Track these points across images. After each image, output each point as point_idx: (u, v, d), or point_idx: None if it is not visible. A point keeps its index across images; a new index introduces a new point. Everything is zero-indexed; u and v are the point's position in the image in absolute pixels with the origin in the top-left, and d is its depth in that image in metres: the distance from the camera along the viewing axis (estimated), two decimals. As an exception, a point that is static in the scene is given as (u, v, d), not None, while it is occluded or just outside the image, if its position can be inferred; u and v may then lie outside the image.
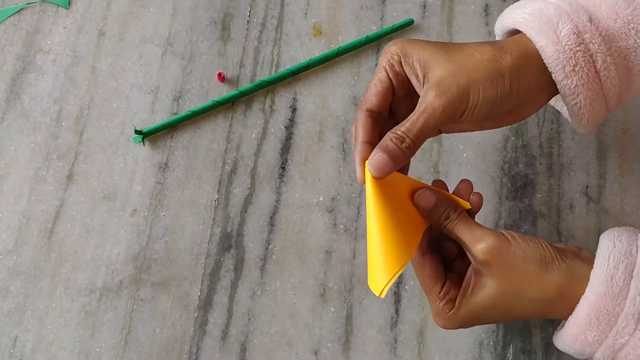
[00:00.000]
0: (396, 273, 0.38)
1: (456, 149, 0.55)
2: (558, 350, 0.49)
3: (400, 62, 0.42)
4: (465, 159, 0.55)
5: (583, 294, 0.39)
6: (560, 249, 0.42)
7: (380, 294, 0.39)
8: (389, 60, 0.42)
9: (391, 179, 0.41)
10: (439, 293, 0.42)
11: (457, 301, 0.42)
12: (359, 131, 0.42)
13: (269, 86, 0.58)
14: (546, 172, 0.55)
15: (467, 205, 0.44)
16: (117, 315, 0.52)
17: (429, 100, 0.39)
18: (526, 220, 0.53)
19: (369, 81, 0.43)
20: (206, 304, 0.52)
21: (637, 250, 0.40)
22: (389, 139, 0.40)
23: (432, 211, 0.42)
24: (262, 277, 0.53)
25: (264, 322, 0.51)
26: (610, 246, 0.40)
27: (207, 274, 0.53)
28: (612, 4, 0.39)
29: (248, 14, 0.60)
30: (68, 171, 0.56)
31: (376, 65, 0.58)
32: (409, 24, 0.59)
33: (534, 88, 0.41)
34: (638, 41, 0.39)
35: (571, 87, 0.40)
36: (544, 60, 0.40)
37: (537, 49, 0.40)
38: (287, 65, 0.58)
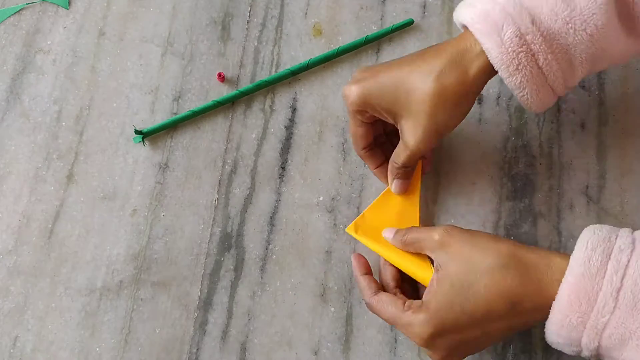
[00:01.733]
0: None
1: (456, 149, 0.55)
2: (558, 351, 0.49)
3: (367, 111, 0.49)
4: (466, 159, 0.55)
5: (549, 289, 0.41)
6: (520, 243, 0.45)
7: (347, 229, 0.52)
8: (358, 111, 0.49)
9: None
10: (403, 306, 0.45)
11: (423, 299, 0.44)
12: (369, 163, 0.53)
13: (269, 86, 0.58)
14: (546, 172, 0.55)
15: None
16: (117, 315, 0.52)
17: (406, 142, 0.48)
18: (526, 220, 0.53)
19: (350, 126, 0.51)
20: (206, 304, 0.52)
21: (616, 237, 0.41)
22: (392, 167, 0.51)
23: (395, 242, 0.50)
24: (262, 277, 0.53)
25: (264, 322, 0.51)
26: (589, 234, 0.42)
27: (207, 274, 0.53)
28: (552, 5, 0.42)
29: (248, 14, 0.60)
30: (68, 171, 0.56)
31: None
32: (409, 24, 0.59)
33: (481, 87, 0.47)
34: (576, 38, 0.43)
35: (516, 83, 0.44)
36: (490, 61, 0.44)
37: (483, 55, 0.44)
38: (287, 65, 0.58)
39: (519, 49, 0.43)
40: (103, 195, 0.55)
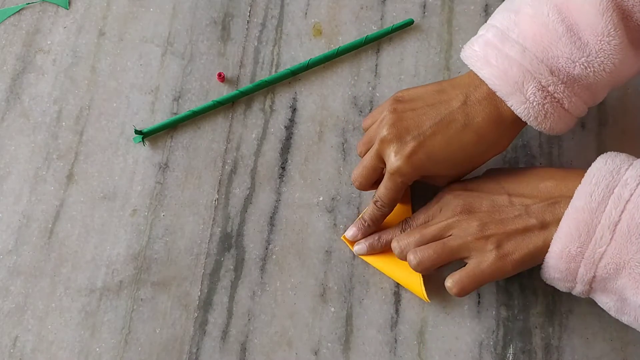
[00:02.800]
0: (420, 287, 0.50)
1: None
2: (558, 351, 0.50)
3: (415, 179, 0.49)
4: (465, 159, 0.55)
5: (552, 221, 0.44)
6: None
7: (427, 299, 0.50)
8: (407, 183, 0.49)
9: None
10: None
11: None
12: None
13: (269, 86, 0.58)
14: (546, 172, 0.55)
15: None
16: (117, 315, 0.52)
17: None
18: (526, 220, 0.53)
19: (364, 168, 0.50)
20: (206, 304, 0.52)
21: (627, 169, 0.42)
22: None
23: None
24: (262, 277, 0.53)
25: (264, 322, 0.52)
26: (600, 164, 0.43)
27: (207, 274, 0.53)
28: (568, 55, 0.44)
29: (248, 14, 0.60)
30: (68, 171, 0.56)
31: (376, 67, 0.58)
32: (409, 24, 0.59)
33: (510, 137, 0.49)
34: (597, 78, 0.44)
35: (546, 128, 0.46)
36: (517, 115, 0.46)
37: (507, 108, 0.46)
38: (287, 65, 0.58)
39: (544, 101, 0.45)
40: (103, 195, 0.55)
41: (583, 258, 0.42)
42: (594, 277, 0.42)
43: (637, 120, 0.56)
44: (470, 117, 0.46)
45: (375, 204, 0.50)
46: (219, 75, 0.58)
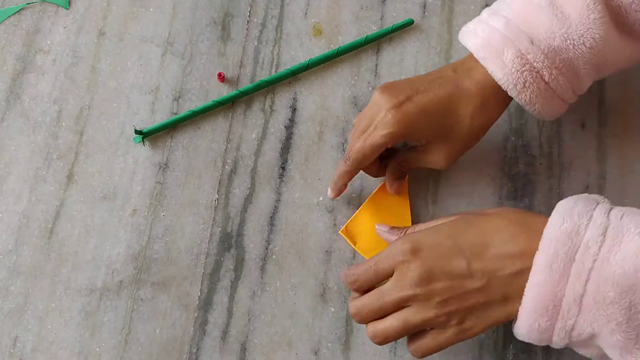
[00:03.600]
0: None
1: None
2: (558, 351, 0.49)
3: (405, 138, 0.49)
4: (465, 159, 0.55)
5: (519, 281, 0.41)
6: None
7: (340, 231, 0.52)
8: (391, 142, 0.48)
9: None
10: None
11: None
12: (347, 178, 0.52)
13: (269, 86, 0.58)
14: (546, 172, 0.55)
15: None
16: (117, 315, 0.52)
17: (439, 164, 0.51)
18: (526, 220, 0.53)
19: (364, 142, 0.48)
20: (206, 304, 0.52)
21: (587, 225, 0.39)
22: (395, 172, 0.53)
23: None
24: (262, 277, 0.53)
25: (264, 322, 0.51)
26: (558, 223, 0.40)
27: (207, 274, 0.53)
28: (548, 26, 0.45)
29: (248, 14, 0.60)
30: (68, 171, 0.56)
31: (376, 67, 0.58)
32: (409, 24, 0.59)
33: (502, 108, 0.50)
34: (577, 52, 0.45)
35: (526, 99, 0.46)
36: (497, 82, 0.47)
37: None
38: (287, 65, 0.58)
39: (522, 68, 0.45)
40: (103, 195, 0.55)
41: (554, 329, 0.40)
42: (568, 342, 0.41)
43: (637, 120, 0.56)
44: (460, 81, 0.48)
45: (344, 159, 0.50)
46: (219, 75, 0.58)
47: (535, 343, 0.43)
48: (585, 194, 0.42)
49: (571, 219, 0.40)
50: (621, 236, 0.39)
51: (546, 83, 0.46)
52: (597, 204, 0.41)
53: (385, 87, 0.49)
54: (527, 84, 0.46)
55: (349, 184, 0.54)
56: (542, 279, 0.39)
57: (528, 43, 0.45)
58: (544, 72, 0.45)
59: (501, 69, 0.46)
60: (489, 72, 0.47)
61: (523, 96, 0.46)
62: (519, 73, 0.46)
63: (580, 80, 0.47)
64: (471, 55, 0.48)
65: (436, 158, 0.50)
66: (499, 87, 0.47)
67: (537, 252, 0.40)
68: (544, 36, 0.45)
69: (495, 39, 0.46)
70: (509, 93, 0.47)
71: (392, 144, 0.48)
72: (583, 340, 0.40)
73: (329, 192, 0.53)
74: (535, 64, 0.45)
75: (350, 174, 0.51)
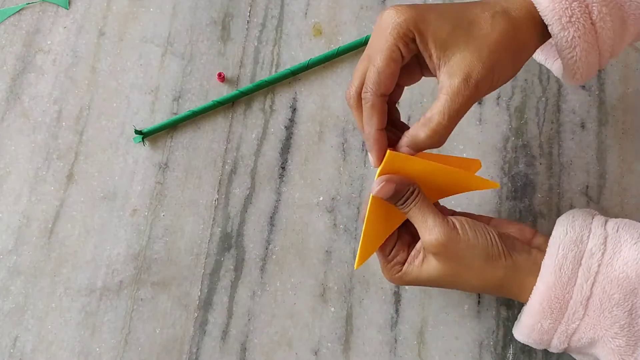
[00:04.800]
0: (365, 259, 0.44)
1: (456, 149, 0.55)
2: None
3: (414, 40, 0.39)
4: (465, 159, 0.55)
5: (528, 284, 0.41)
6: (510, 242, 0.43)
7: (355, 266, 0.44)
8: (402, 38, 0.39)
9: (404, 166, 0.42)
10: (388, 255, 0.45)
11: (404, 267, 0.44)
12: (374, 119, 0.41)
13: (269, 86, 0.58)
14: (546, 172, 0.55)
15: (477, 164, 0.46)
16: (117, 315, 0.52)
17: (458, 88, 0.38)
18: (526, 220, 0.53)
19: (377, 57, 0.40)
20: (206, 304, 0.52)
21: (588, 235, 0.41)
22: (421, 136, 0.40)
23: (392, 199, 0.43)
24: (262, 277, 0.53)
25: (264, 322, 0.51)
26: (562, 234, 0.42)
27: (207, 274, 0.53)
28: None
29: (248, 14, 0.60)
30: (68, 171, 0.56)
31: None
32: (409, 24, 0.59)
33: (533, 50, 0.42)
34: None
35: (568, 39, 0.39)
36: (540, 13, 0.39)
37: (533, 5, 0.40)
38: (287, 65, 0.58)
39: None
40: (103, 195, 0.55)
41: (556, 332, 0.41)
42: (567, 347, 0.42)
43: (637, 120, 0.56)
44: (495, 4, 0.40)
45: (362, 98, 0.41)
46: (219, 75, 0.58)
47: (533, 346, 0.44)
48: (577, 209, 0.44)
49: (573, 229, 0.41)
50: (620, 245, 0.40)
51: (592, 23, 0.39)
52: (593, 217, 0.43)
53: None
54: (573, 19, 0.39)
55: (348, 183, 0.54)
56: (551, 280, 0.40)
57: None
58: (593, 8, 0.39)
59: None
60: (533, 0, 0.39)
61: (565, 34, 0.39)
62: (567, 3, 0.38)
63: (624, 30, 0.41)
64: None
65: (458, 75, 0.39)
66: (537, 18, 0.39)
67: (544, 257, 0.41)
68: None
69: None
70: (550, 28, 0.39)
71: (402, 43, 0.39)
72: (581, 346, 0.41)
73: (371, 159, 0.43)
74: None
75: (374, 109, 0.41)
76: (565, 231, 0.42)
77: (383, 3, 0.60)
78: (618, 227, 0.42)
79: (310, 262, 0.53)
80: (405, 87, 0.45)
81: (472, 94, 0.38)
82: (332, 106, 0.57)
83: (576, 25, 0.39)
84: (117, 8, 0.61)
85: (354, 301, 0.52)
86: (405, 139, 0.41)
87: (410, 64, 0.42)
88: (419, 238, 0.44)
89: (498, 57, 0.39)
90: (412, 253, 0.44)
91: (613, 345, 0.39)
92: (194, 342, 0.51)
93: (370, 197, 0.43)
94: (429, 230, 0.42)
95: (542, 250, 0.43)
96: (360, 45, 0.58)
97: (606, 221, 0.42)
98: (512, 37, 0.39)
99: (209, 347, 0.51)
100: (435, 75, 0.41)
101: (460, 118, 0.39)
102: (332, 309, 0.52)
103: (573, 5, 0.39)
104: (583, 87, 0.56)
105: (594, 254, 0.40)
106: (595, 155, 0.55)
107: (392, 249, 0.45)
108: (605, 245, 0.41)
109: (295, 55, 0.59)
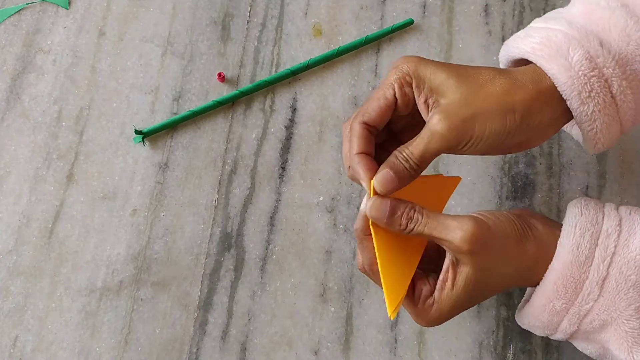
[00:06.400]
0: (398, 303, 0.39)
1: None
2: (558, 351, 0.49)
3: (411, 84, 0.40)
4: (466, 159, 0.55)
5: (550, 261, 0.40)
6: (523, 217, 0.42)
7: (390, 316, 0.39)
8: (399, 80, 0.40)
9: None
10: (413, 297, 0.41)
11: (435, 298, 0.40)
12: (355, 142, 0.40)
13: (269, 86, 0.58)
14: (546, 172, 0.55)
15: (456, 179, 0.44)
16: (117, 315, 0.52)
17: (432, 125, 0.38)
18: (526, 220, 0.53)
19: (374, 93, 0.41)
20: (206, 304, 0.52)
21: (602, 217, 0.40)
22: (395, 157, 0.39)
23: (390, 221, 0.39)
24: (262, 277, 0.53)
25: (264, 322, 0.51)
26: (577, 214, 0.41)
27: (207, 274, 0.53)
28: (622, 27, 0.39)
29: (248, 14, 0.60)
30: (68, 171, 0.56)
31: (376, 67, 0.58)
32: (409, 24, 0.59)
33: (545, 123, 0.40)
34: None
35: (588, 113, 0.39)
36: (557, 88, 0.39)
37: (551, 81, 0.39)
38: (287, 65, 0.58)
39: (591, 73, 0.38)
40: (103, 195, 0.55)
41: (567, 314, 0.40)
42: (577, 330, 0.41)
43: (637, 120, 0.56)
44: (507, 75, 0.39)
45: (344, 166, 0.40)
46: (219, 75, 0.58)
47: (537, 332, 0.43)
48: (585, 197, 0.43)
49: (588, 211, 0.41)
50: (634, 227, 0.40)
51: (612, 97, 0.39)
52: (604, 203, 0.42)
53: None
54: (593, 94, 0.38)
55: (348, 183, 0.54)
56: (568, 259, 0.39)
57: (597, 44, 0.38)
58: (613, 82, 0.38)
59: (567, 71, 0.38)
60: (550, 74, 0.39)
61: (585, 108, 0.39)
62: (586, 78, 0.38)
63: None
64: (519, 66, 0.40)
65: (441, 117, 0.38)
66: (556, 94, 0.39)
67: (560, 236, 0.40)
68: (616, 39, 0.38)
69: (558, 38, 0.39)
70: (569, 103, 0.39)
71: (398, 85, 0.40)
72: (591, 330, 0.40)
73: (363, 184, 0.41)
74: (604, 70, 0.38)
75: (353, 133, 0.41)
76: (580, 212, 0.41)
77: (383, 3, 0.60)
78: (631, 211, 0.41)
79: (310, 262, 0.53)
80: None
81: (447, 137, 0.38)
82: (332, 106, 0.57)
83: (596, 100, 0.39)
84: (117, 8, 0.61)
85: (354, 301, 0.52)
86: (385, 164, 0.40)
87: (407, 123, 0.43)
88: (437, 265, 0.41)
89: (484, 106, 0.38)
90: (441, 277, 0.40)
91: (627, 328, 0.39)
92: (194, 342, 0.51)
93: (372, 230, 0.40)
94: (456, 230, 0.38)
95: (554, 234, 0.41)
96: (360, 45, 0.58)
97: (617, 206, 0.42)
98: (509, 94, 0.38)
99: (209, 347, 0.51)
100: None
101: (435, 155, 0.39)
102: (332, 309, 0.52)
103: (592, 80, 0.38)
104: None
105: (610, 235, 0.39)
106: (595, 155, 0.55)
107: (413, 290, 0.41)
108: (620, 227, 0.40)
109: (295, 55, 0.59)
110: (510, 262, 0.40)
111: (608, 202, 0.42)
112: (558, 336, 0.42)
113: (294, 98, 0.58)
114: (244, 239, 0.54)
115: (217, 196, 0.55)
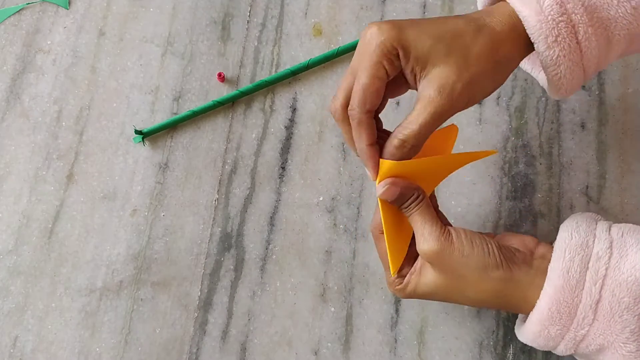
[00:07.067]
0: (398, 264, 0.45)
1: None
2: (558, 350, 0.50)
3: (399, 56, 0.40)
4: (465, 159, 0.55)
5: (530, 297, 0.41)
6: (511, 254, 0.42)
7: (392, 274, 0.45)
8: (386, 56, 0.40)
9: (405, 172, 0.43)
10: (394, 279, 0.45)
11: (405, 279, 0.44)
12: (364, 134, 0.41)
13: (269, 86, 0.58)
14: (546, 172, 0.55)
15: (453, 127, 0.46)
16: (117, 315, 0.52)
17: (431, 98, 0.39)
18: (526, 220, 0.53)
19: (363, 78, 0.40)
20: (206, 304, 0.52)
21: (593, 240, 0.41)
22: (393, 146, 0.40)
23: (396, 202, 0.43)
24: (262, 277, 0.53)
25: (264, 322, 0.51)
26: (567, 238, 0.41)
27: (207, 274, 0.53)
28: None
29: (248, 14, 0.60)
30: (68, 171, 0.56)
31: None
32: (409, 24, 0.59)
33: (515, 65, 0.42)
34: (619, 11, 0.39)
35: (553, 57, 0.40)
36: (527, 31, 0.40)
37: (520, 20, 0.40)
38: (287, 65, 0.58)
39: (559, 18, 0.39)
40: (103, 195, 0.55)
41: (563, 339, 0.40)
42: (574, 353, 0.41)
43: (638, 119, 0.56)
44: (479, 18, 0.40)
45: (349, 115, 0.41)
46: (219, 75, 0.58)
47: (537, 348, 0.43)
48: (580, 213, 0.44)
49: (578, 234, 0.41)
50: (625, 250, 0.40)
51: (578, 42, 0.40)
52: (597, 223, 0.42)
53: None
54: (559, 38, 0.39)
55: (348, 183, 0.54)
56: (559, 283, 0.40)
57: None
58: (579, 28, 0.39)
59: (537, 14, 0.39)
60: (521, 16, 0.40)
61: (550, 52, 0.40)
62: (554, 23, 0.39)
63: (609, 49, 0.41)
64: (496, 6, 0.41)
65: (437, 86, 0.39)
66: (522, 33, 0.40)
67: (550, 261, 0.41)
68: None
69: None
70: (536, 45, 0.40)
71: (387, 61, 0.40)
72: (589, 353, 0.40)
73: (368, 173, 0.43)
74: (573, 16, 0.39)
75: (362, 126, 0.41)
76: (570, 236, 0.41)
77: (383, 3, 0.60)
78: (622, 232, 0.41)
79: (310, 262, 0.53)
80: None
81: (445, 103, 0.39)
82: (332, 106, 0.57)
83: (562, 45, 0.39)
84: (117, 8, 0.61)
85: (354, 301, 0.52)
86: (385, 150, 0.41)
87: (396, 78, 0.42)
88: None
89: (477, 70, 0.39)
90: (416, 264, 0.44)
91: (624, 351, 0.39)
92: (194, 342, 0.51)
93: (379, 201, 0.43)
94: (425, 238, 0.42)
95: (546, 258, 0.42)
96: (360, 45, 0.58)
97: (610, 226, 0.42)
98: (494, 51, 0.40)
99: (209, 347, 0.51)
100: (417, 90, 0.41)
101: (433, 128, 0.40)
102: (332, 309, 0.52)
103: (560, 25, 0.39)
104: (583, 87, 0.56)
105: (601, 258, 0.40)
106: (595, 155, 0.55)
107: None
108: (611, 250, 0.40)
109: (295, 55, 0.59)
110: (470, 288, 0.42)
111: (601, 222, 0.43)
112: (558, 354, 0.42)
113: (294, 98, 0.58)
114: (244, 239, 0.54)
115: (217, 196, 0.55)
